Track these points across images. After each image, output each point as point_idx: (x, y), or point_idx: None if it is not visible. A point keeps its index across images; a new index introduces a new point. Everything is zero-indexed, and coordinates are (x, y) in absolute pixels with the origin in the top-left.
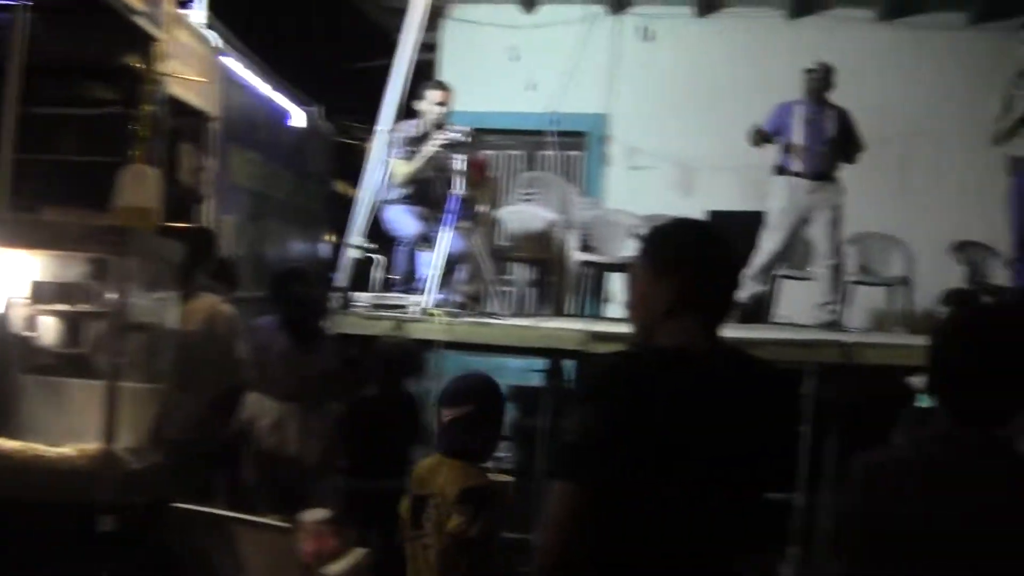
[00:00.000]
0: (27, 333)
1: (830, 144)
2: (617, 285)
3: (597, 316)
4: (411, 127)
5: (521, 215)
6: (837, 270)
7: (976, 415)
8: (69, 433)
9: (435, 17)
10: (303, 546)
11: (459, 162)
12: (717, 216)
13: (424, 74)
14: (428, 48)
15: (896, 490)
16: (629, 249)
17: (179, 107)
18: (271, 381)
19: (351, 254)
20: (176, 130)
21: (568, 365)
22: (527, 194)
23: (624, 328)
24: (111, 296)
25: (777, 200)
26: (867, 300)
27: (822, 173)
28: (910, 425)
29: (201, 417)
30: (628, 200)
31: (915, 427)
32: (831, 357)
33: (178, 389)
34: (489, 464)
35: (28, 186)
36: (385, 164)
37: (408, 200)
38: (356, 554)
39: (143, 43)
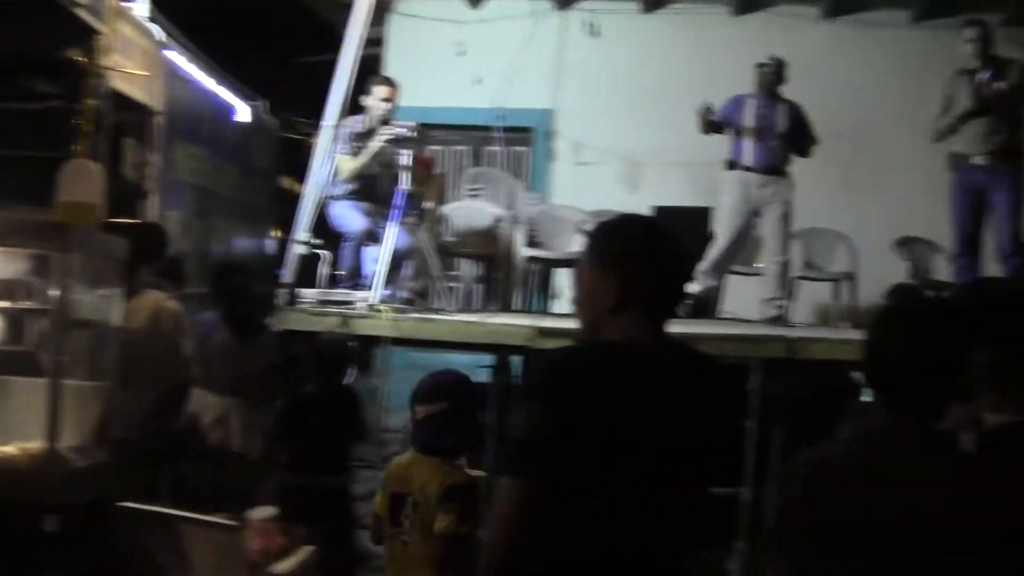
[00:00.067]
0: None
1: (781, 138)
2: (564, 281)
3: (544, 312)
4: (357, 122)
5: (467, 211)
6: (785, 266)
7: (912, 408)
8: (11, 432)
9: (381, 12)
10: (250, 544)
11: (405, 158)
12: (663, 211)
13: (370, 69)
14: (374, 43)
15: (839, 485)
16: (575, 245)
17: (122, 101)
18: (213, 376)
19: (297, 250)
20: (119, 125)
21: (515, 361)
22: (473, 190)
23: (571, 324)
24: (54, 293)
25: (728, 195)
26: (812, 295)
27: (773, 167)
28: (854, 419)
29: (146, 414)
30: (574, 195)
31: (858, 421)
32: (777, 352)
33: (123, 387)
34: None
35: None
36: (331, 160)
37: (354, 196)
38: (303, 552)
39: (85, 36)
